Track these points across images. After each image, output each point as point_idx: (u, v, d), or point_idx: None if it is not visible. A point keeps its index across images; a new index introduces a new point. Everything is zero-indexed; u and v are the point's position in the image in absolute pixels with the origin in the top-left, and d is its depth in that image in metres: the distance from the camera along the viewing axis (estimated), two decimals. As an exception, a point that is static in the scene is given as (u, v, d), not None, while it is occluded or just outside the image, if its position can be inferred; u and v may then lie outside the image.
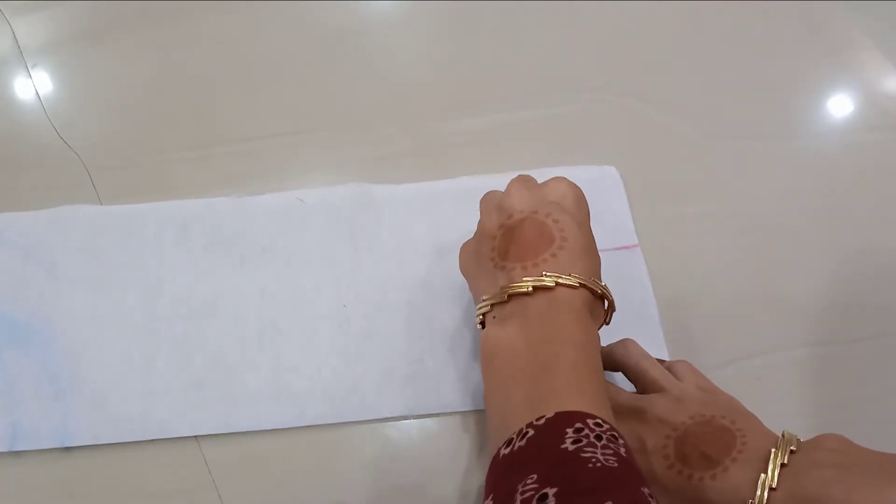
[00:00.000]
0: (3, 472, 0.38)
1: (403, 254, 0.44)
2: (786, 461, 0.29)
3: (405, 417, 0.40)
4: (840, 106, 0.53)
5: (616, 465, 0.26)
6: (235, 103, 0.51)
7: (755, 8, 0.58)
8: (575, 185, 0.36)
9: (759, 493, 0.29)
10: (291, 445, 0.39)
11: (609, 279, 0.41)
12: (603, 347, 0.37)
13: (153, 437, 0.38)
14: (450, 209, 0.46)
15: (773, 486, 0.29)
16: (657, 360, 0.38)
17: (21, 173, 0.47)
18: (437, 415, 0.40)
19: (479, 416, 0.40)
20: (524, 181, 0.37)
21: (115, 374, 0.40)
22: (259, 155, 0.49)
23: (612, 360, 0.38)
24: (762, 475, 0.29)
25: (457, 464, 0.38)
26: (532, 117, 0.51)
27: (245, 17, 0.55)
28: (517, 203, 0.35)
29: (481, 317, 0.35)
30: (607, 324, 0.36)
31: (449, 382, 0.40)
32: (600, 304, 0.34)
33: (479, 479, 0.38)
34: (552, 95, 0.52)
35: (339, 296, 0.43)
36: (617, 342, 0.39)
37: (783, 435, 0.31)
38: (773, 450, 0.30)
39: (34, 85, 0.51)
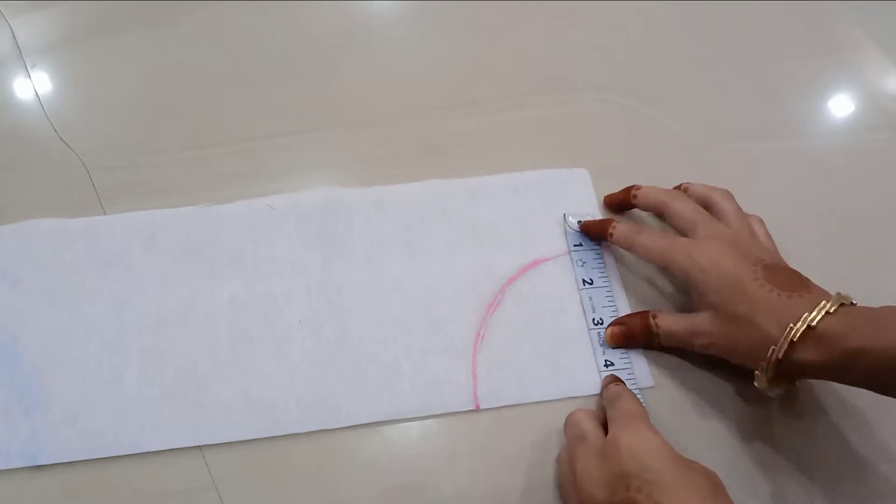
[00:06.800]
0: (13, 484, 0.37)
1: (375, 257, 0.44)
2: (846, 303, 0.35)
3: (380, 423, 0.39)
4: (841, 106, 0.53)
5: None
6: (235, 103, 0.51)
7: (755, 8, 0.58)
8: (636, 430, 0.33)
9: (815, 311, 0.34)
10: (291, 446, 0.39)
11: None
12: (699, 185, 0.44)
13: (126, 453, 0.38)
14: (421, 211, 0.46)
15: (831, 311, 0.34)
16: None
17: (21, 173, 0.47)
18: (418, 419, 0.40)
19: (479, 417, 0.40)
20: (585, 447, 0.34)
21: (85, 389, 0.39)
22: (259, 155, 0.49)
23: (706, 195, 0.43)
24: (823, 300, 0.34)
25: (457, 464, 0.38)
26: (532, 117, 0.51)
27: (245, 17, 0.55)
28: (595, 491, 0.32)
29: None
30: None
31: (424, 385, 0.40)
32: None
33: (478, 479, 0.38)
34: (552, 95, 0.52)
35: (310, 302, 0.42)
36: (712, 187, 0.44)
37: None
38: (837, 292, 0.35)
39: (34, 85, 0.51)
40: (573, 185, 0.48)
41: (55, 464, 0.38)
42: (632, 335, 0.41)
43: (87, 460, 0.38)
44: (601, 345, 0.42)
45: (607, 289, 0.44)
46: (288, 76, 0.53)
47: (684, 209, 0.42)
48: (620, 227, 0.43)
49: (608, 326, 0.42)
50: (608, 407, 0.37)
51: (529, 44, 0.55)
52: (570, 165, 0.49)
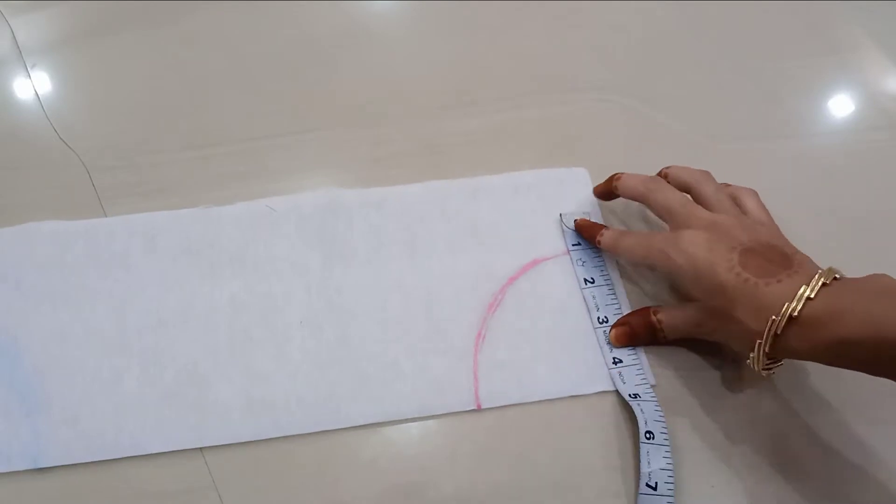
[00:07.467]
0: (15, 486, 0.37)
1: (375, 258, 0.44)
2: (828, 282, 0.33)
3: (381, 424, 0.39)
4: (841, 106, 0.53)
5: None
6: (235, 103, 0.51)
7: (755, 8, 0.58)
8: None
9: (796, 299, 0.33)
10: (291, 445, 0.39)
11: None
12: (681, 168, 0.44)
13: (126, 454, 0.38)
14: (421, 211, 0.46)
15: (812, 296, 0.33)
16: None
17: (21, 173, 0.47)
18: (419, 419, 0.39)
19: (480, 417, 0.40)
20: None
21: (85, 390, 0.39)
22: (259, 155, 0.49)
23: (688, 182, 0.42)
24: (803, 286, 0.33)
25: (457, 464, 0.38)
26: (532, 117, 0.51)
27: (245, 17, 0.55)
28: None
29: None
30: None
31: (425, 385, 0.40)
32: None
33: (479, 479, 0.38)
34: (552, 95, 0.52)
35: (310, 302, 0.42)
36: (694, 169, 0.43)
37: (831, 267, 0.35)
38: (819, 271, 0.34)
39: (34, 85, 0.51)
40: (573, 185, 0.48)
41: (55, 466, 0.37)
42: (635, 334, 0.41)
43: (87, 462, 0.38)
44: (608, 343, 0.42)
45: (609, 286, 0.44)
46: (288, 76, 0.53)
47: (662, 199, 0.41)
48: (607, 234, 0.43)
49: (611, 328, 0.42)
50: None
51: (529, 44, 0.55)
52: (569, 165, 0.49)
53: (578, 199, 0.47)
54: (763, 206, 0.42)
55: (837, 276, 0.34)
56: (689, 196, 0.42)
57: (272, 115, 0.51)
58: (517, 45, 0.55)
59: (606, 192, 0.46)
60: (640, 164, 0.48)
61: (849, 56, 0.56)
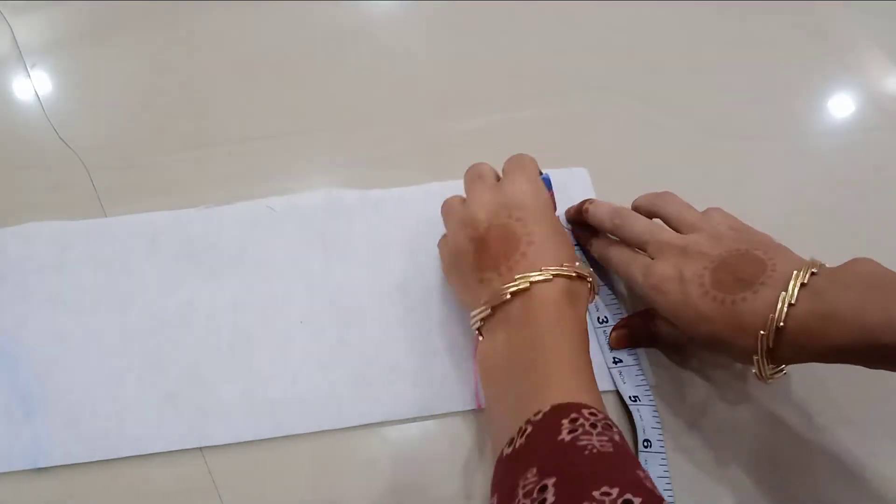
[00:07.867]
0: (15, 486, 0.37)
1: (376, 258, 0.44)
2: (805, 281, 0.32)
3: (381, 424, 0.39)
4: (841, 106, 0.53)
5: (612, 450, 0.27)
6: (235, 103, 0.51)
7: (755, 8, 0.58)
8: (529, 179, 0.38)
9: (779, 306, 0.31)
10: (292, 446, 0.39)
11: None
12: (644, 197, 0.42)
13: (126, 455, 0.38)
14: (421, 212, 0.46)
15: (793, 302, 0.31)
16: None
17: (21, 173, 0.47)
18: (419, 419, 0.39)
19: (477, 417, 0.40)
20: (482, 183, 0.39)
21: (87, 391, 0.39)
22: (259, 155, 0.49)
23: (652, 209, 0.41)
24: (782, 292, 0.32)
25: (457, 464, 0.38)
26: (532, 117, 0.51)
27: (245, 17, 0.55)
28: (479, 212, 0.37)
29: (477, 331, 0.35)
30: (597, 294, 0.37)
31: (425, 385, 0.40)
32: (580, 283, 0.34)
33: (479, 479, 0.38)
34: (552, 95, 0.52)
35: (311, 303, 0.42)
36: (655, 194, 0.42)
37: (809, 260, 0.34)
38: (795, 271, 0.32)
39: (34, 85, 0.51)
40: (573, 185, 0.48)
41: (56, 466, 0.37)
42: (635, 337, 0.41)
43: (87, 462, 0.38)
44: (608, 343, 0.42)
45: (609, 286, 0.44)
46: (288, 76, 0.53)
47: (630, 234, 0.40)
48: (596, 244, 0.43)
49: (611, 331, 0.42)
50: (507, 162, 0.40)
51: (530, 44, 0.55)
52: (569, 165, 0.49)
53: (578, 199, 0.47)
54: (730, 215, 0.40)
55: (815, 270, 0.32)
56: (658, 220, 0.41)
57: (272, 115, 0.51)
58: (518, 46, 0.55)
59: (578, 216, 0.45)
60: (639, 164, 0.49)
61: (849, 56, 0.56)
